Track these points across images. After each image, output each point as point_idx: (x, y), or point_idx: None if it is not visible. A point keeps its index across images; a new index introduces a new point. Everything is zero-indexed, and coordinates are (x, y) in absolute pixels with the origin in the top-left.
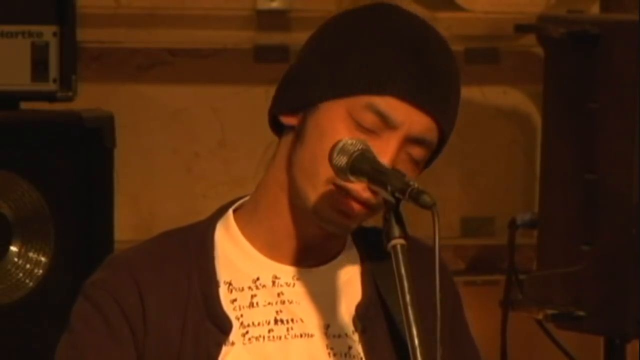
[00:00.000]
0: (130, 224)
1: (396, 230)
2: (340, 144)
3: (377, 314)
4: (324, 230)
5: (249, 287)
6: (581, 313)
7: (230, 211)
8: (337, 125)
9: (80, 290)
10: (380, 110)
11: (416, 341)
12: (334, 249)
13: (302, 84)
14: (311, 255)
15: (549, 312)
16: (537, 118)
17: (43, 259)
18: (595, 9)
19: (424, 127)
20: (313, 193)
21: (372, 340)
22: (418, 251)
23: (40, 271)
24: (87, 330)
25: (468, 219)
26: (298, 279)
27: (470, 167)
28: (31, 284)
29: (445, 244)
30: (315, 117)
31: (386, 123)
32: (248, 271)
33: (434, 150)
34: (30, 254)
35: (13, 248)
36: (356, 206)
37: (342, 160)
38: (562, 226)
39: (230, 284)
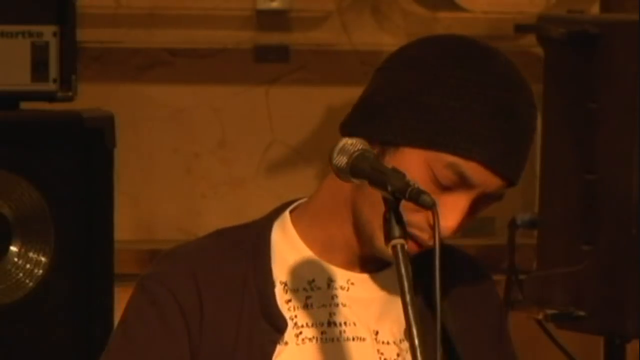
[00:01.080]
0: (130, 224)
1: (396, 230)
2: (340, 144)
3: (427, 324)
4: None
5: (304, 289)
6: (581, 313)
7: (287, 212)
8: (414, 174)
9: (138, 281)
10: (461, 172)
11: (416, 341)
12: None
13: (388, 120)
14: (366, 263)
15: (549, 312)
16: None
17: (43, 259)
18: (595, 9)
19: (498, 186)
20: (377, 228)
21: (424, 350)
22: (454, 261)
23: (40, 271)
24: (140, 323)
25: None
26: (352, 283)
27: None
28: (31, 284)
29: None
30: (394, 158)
31: (464, 182)
32: (304, 273)
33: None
34: (30, 254)
35: (13, 248)
36: (417, 250)
37: (342, 161)
38: (562, 226)
39: (285, 284)
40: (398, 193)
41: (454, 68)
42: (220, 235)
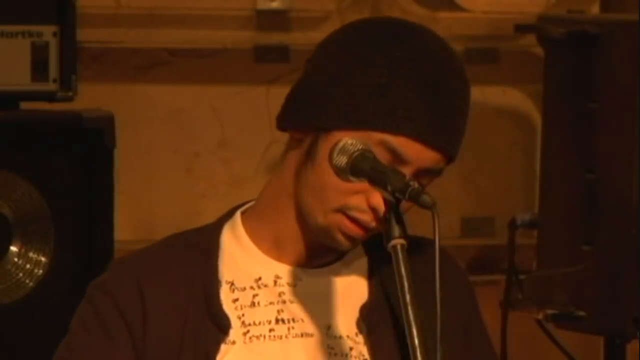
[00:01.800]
0: (130, 224)
1: (396, 230)
2: (341, 144)
3: (383, 316)
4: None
5: (251, 287)
6: (581, 313)
7: (239, 213)
8: None
9: (87, 290)
10: (393, 149)
11: (416, 341)
12: (337, 251)
13: (316, 106)
14: (315, 257)
15: (549, 312)
16: (537, 118)
17: (43, 259)
18: (595, 9)
19: (434, 160)
20: (321, 217)
21: (378, 342)
22: (428, 251)
23: (40, 271)
24: (83, 332)
25: (468, 219)
26: (300, 279)
27: (471, 167)
28: (31, 284)
29: (445, 244)
30: (327, 143)
31: (397, 159)
32: (250, 271)
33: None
34: (30, 254)
35: (13, 248)
36: (363, 233)
37: (342, 160)
38: (562, 226)
39: (232, 283)
40: (398, 193)
41: (376, 47)
42: (172, 239)
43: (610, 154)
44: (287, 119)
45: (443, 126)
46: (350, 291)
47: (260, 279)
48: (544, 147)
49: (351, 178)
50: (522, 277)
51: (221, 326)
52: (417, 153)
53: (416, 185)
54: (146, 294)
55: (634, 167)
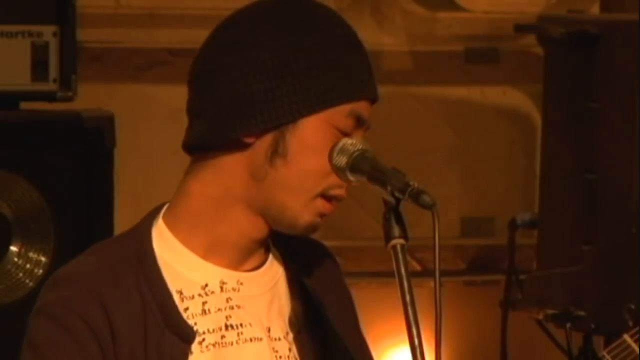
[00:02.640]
0: (130, 224)
1: (396, 230)
2: (340, 144)
3: (309, 316)
4: (266, 234)
5: (199, 294)
6: (581, 313)
7: (161, 219)
8: (324, 138)
9: (35, 310)
10: (358, 114)
11: (416, 341)
12: (265, 252)
13: (270, 104)
14: (248, 259)
15: (549, 312)
16: (537, 118)
17: (43, 259)
18: (595, 9)
19: (370, 111)
20: (300, 208)
21: (305, 341)
22: (310, 247)
23: (40, 271)
24: (56, 350)
25: (468, 218)
26: (242, 283)
27: (470, 167)
28: (31, 284)
29: (445, 243)
30: (296, 134)
31: (359, 123)
32: (196, 278)
33: None
34: (30, 254)
35: (13, 248)
36: (333, 208)
37: (342, 160)
38: (562, 226)
39: (181, 292)
40: (398, 193)
41: (297, 21)
42: (103, 249)
43: (610, 154)
44: (238, 128)
45: (373, 77)
46: (278, 291)
47: (207, 285)
48: (544, 147)
49: (351, 178)
50: (522, 277)
51: (184, 336)
52: (368, 110)
53: (416, 185)
54: (109, 310)
55: (634, 167)
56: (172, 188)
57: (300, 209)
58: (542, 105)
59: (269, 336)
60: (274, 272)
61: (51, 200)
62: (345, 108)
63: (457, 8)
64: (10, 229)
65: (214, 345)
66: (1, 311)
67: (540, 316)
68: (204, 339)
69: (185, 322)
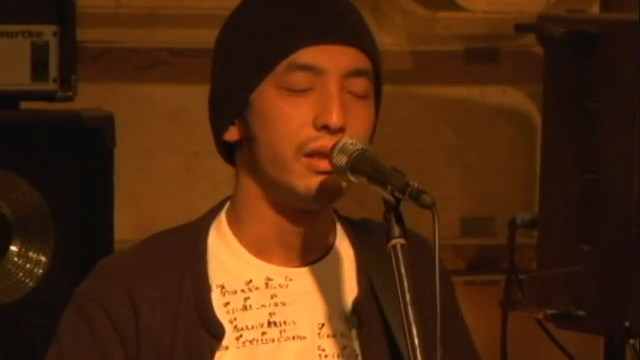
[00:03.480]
0: (130, 224)
1: (396, 230)
2: (340, 144)
3: (372, 309)
4: (310, 226)
5: (242, 290)
6: (581, 313)
7: (223, 214)
8: (275, 103)
9: (71, 297)
10: (302, 64)
11: (416, 341)
12: (325, 244)
13: (227, 92)
14: (302, 254)
15: (549, 312)
16: (537, 118)
17: (43, 258)
18: (595, 9)
19: (351, 59)
20: (291, 175)
21: (368, 336)
22: (420, 249)
23: (40, 271)
24: (74, 343)
25: (468, 218)
26: (291, 279)
27: (470, 167)
28: (31, 283)
29: (445, 243)
30: (253, 111)
31: (315, 74)
32: (241, 274)
33: (376, 81)
34: (30, 254)
35: (13, 248)
36: (321, 161)
37: (342, 160)
38: (562, 226)
39: (223, 287)
40: (398, 192)
41: (236, 9)
42: (158, 239)
43: (610, 154)
44: (216, 129)
45: (329, 22)
46: (342, 285)
47: (251, 281)
48: (544, 147)
49: (351, 177)
50: (522, 277)
51: (214, 333)
52: (326, 56)
53: (416, 185)
54: (138, 305)
55: (634, 167)
56: (172, 188)
57: (293, 177)
58: (542, 105)
59: (319, 334)
60: (338, 263)
61: (51, 200)
62: (283, 67)
63: (457, 8)
64: (10, 229)
65: (251, 341)
66: (1, 311)
67: (540, 316)
68: (241, 335)
69: (215, 318)
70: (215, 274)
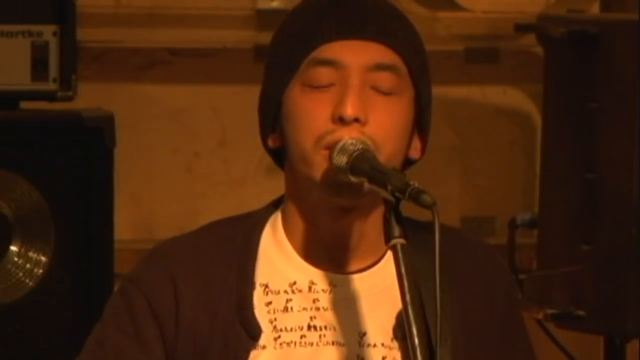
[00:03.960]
0: (130, 224)
1: (396, 230)
2: (340, 144)
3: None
4: (348, 226)
5: (285, 291)
6: (581, 313)
7: (279, 211)
8: (299, 101)
9: (122, 280)
10: (322, 60)
11: (416, 341)
12: (376, 253)
13: (264, 100)
14: (349, 260)
15: (549, 312)
16: (537, 118)
17: (43, 258)
18: (595, 9)
19: (372, 54)
20: (312, 169)
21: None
22: (471, 248)
23: (40, 271)
24: (114, 328)
25: (468, 218)
26: (335, 285)
27: (471, 167)
28: (31, 283)
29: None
30: (284, 114)
31: (336, 68)
32: (286, 274)
33: (411, 76)
34: (30, 254)
35: (13, 248)
36: None
37: (342, 160)
38: (562, 226)
39: (266, 286)
40: (398, 192)
41: (279, 29)
42: (215, 227)
43: (610, 154)
44: (263, 134)
45: (346, 16)
46: (387, 296)
47: (295, 283)
48: (544, 147)
49: (351, 177)
50: (522, 277)
51: (251, 333)
52: (349, 52)
53: (416, 184)
54: (180, 294)
55: (634, 167)
56: (172, 188)
57: (313, 170)
58: (542, 105)
59: (360, 342)
60: (387, 274)
61: (51, 200)
62: (307, 62)
63: (457, 8)
64: (10, 229)
65: (289, 343)
66: (1, 311)
67: (540, 316)
68: (279, 336)
69: (254, 318)
70: (262, 272)
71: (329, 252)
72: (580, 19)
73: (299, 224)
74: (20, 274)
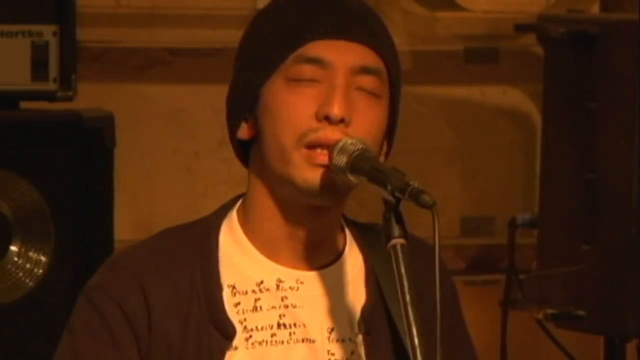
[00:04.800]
0: (130, 224)
1: (396, 230)
2: (340, 144)
3: (380, 316)
4: (315, 224)
5: (253, 291)
6: (581, 313)
7: (234, 212)
8: (280, 95)
9: (82, 290)
10: (309, 57)
11: (416, 341)
12: (335, 250)
13: (239, 89)
14: (314, 257)
15: (549, 311)
16: (537, 118)
17: (43, 258)
18: (595, 9)
19: (359, 56)
20: (291, 167)
21: (374, 342)
22: (419, 250)
23: (40, 271)
24: (88, 336)
25: (468, 218)
26: (302, 282)
27: (470, 167)
28: (31, 283)
29: (445, 243)
30: (261, 106)
31: (322, 66)
32: (252, 274)
33: (390, 82)
34: (30, 254)
35: (13, 248)
36: (329, 156)
37: (342, 160)
38: (562, 226)
39: (234, 287)
40: (398, 192)
41: (257, 15)
42: (169, 235)
43: (610, 154)
44: (231, 127)
45: (335, 16)
46: (351, 290)
47: (262, 282)
48: (544, 147)
49: (351, 177)
50: (522, 277)
51: (225, 333)
52: (335, 51)
53: (416, 184)
54: (151, 301)
55: (634, 167)
56: (171, 188)
57: (292, 169)
58: (542, 105)
59: (329, 338)
60: (347, 269)
61: (51, 200)
62: (291, 60)
63: (457, 8)
64: (10, 229)
65: (261, 343)
66: (1, 311)
67: (540, 316)
68: (251, 336)
69: (227, 318)
70: (227, 273)
71: (296, 249)
72: (580, 19)
73: (263, 221)
74: (20, 274)
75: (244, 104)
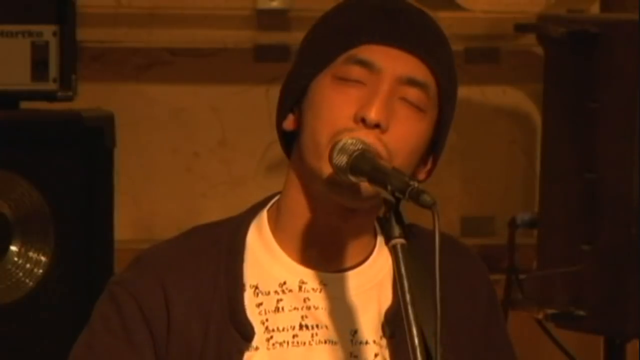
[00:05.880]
0: (130, 224)
1: (396, 230)
2: (340, 144)
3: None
4: (344, 224)
5: (275, 292)
6: (581, 313)
7: (265, 212)
8: (325, 91)
9: (107, 284)
10: (360, 59)
11: (416, 341)
12: (363, 253)
13: (290, 81)
14: (339, 259)
15: (549, 311)
16: (537, 118)
17: (43, 258)
18: (595, 9)
19: (409, 67)
20: (322, 162)
21: (399, 345)
22: (459, 252)
23: (40, 271)
24: (105, 332)
25: (468, 218)
26: (325, 284)
27: (470, 167)
28: (31, 283)
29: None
30: (308, 100)
31: (370, 70)
32: (275, 275)
33: (440, 99)
34: (30, 254)
35: (13, 248)
36: None
37: (342, 160)
38: (562, 226)
39: (256, 287)
40: (398, 192)
41: (324, 14)
42: (198, 232)
43: (610, 154)
44: (279, 114)
45: (399, 27)
46: (377, 293)
47: (284, 283)
48: (544, 147)
49: (351, 177)
50: (522, 277)
51: (244, 334)
52: (386, 57)
53: (416, 184)
54: (171, 300)
55: (634, 167)
56: (172, 188)
57: (323, 165)
58: (542, 105)
59: (352, 340)
60: (375, 271)
61: (51, 200)
62: (343, 58)
63: (457, 8)
64: (10, 229)
65: (282, 343)
66: (1, 311)
67: (540, 316)
68: (272, 337)
69: (246, 319)
70: (250, 273)
71: (322, 250)
72: (580, 19)
73: (293, 218)
74: (20, 274)
75: (293, 95)
